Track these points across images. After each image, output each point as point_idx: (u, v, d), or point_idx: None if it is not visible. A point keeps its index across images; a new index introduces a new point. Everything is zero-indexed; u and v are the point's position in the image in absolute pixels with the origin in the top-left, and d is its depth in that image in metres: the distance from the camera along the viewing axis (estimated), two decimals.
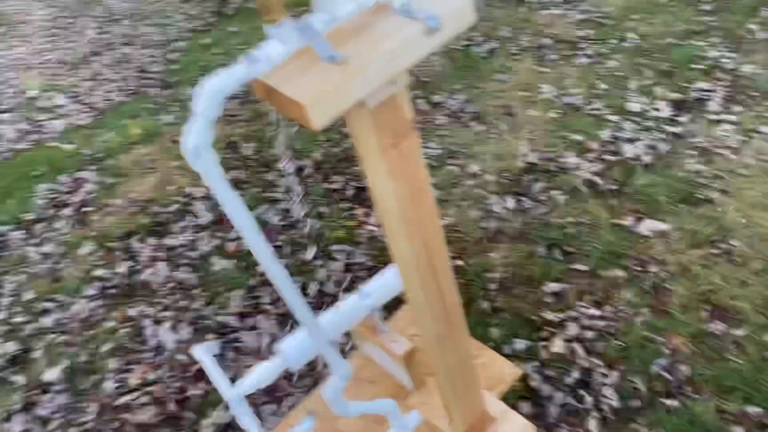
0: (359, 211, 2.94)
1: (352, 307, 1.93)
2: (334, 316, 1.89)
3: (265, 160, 3.38)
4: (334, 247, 2.77)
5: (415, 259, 1.35)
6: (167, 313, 2.65)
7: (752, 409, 1.92)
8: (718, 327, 2.15)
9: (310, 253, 2.78)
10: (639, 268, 2.39)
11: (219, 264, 2.82)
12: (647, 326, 2.20)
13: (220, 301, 2.66)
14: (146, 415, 2.32)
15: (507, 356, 2.19)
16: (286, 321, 2.52)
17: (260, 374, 1.74)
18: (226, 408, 2.23)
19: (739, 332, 2.11)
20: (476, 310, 2.40)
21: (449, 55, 3.84)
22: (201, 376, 2.36)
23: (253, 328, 2.53)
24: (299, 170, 3.26)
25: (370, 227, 2.84)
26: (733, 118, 2.90)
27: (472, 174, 3.00)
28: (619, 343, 2.18)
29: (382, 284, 1.99)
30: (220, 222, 3.03)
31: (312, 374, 2.34)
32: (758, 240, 2.37)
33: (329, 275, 2.66)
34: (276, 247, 2.84)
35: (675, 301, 2.26)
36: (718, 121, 2.91)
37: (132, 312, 2.69)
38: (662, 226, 2.52)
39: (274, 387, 2.28)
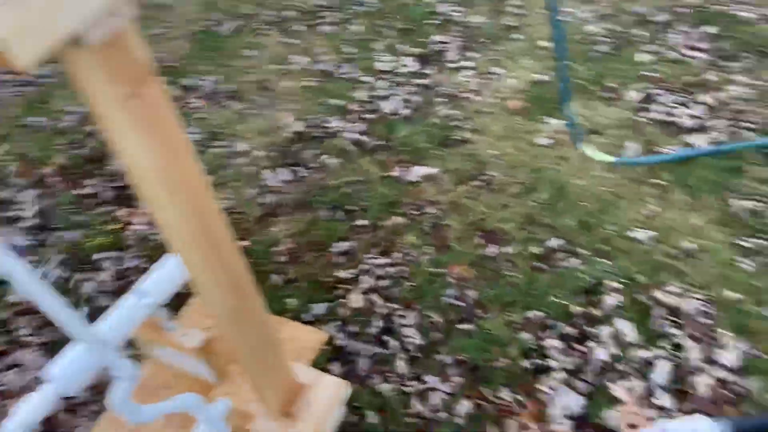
0: (122, 212, 2.65)
1: (130, 308, 1.71)
2: (111, 323, 1.66)
3: None
4: (98, 256, 2.47)
5: (189, 227, 1.21)
6: None
7: (533, 314, 2.10)
8: (491, 250, 2.32)
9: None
10: (416, 212, 2.49)
11: None
12: (432, 263, 2.30)
13: None
14: None
15: (309, 323, 2.15)
16: (56, 347, 2.18)
17: (29, 409, 1.46)
18: None
19: (509, 249, 2.31)
20: (270, 287, 2.30)
21: (191, 37, 3.63)
22: None
23: (13, 366, 2.15)
24: (39, 181, 2.85)
25: (137, 227, 2.58)
26: (470, 64, 3.16)
27: (240, 153, 2.88)
28: (411, 284, 2.25)
29: (161, 277, 1.80)
30: None
31: (98, 399, 2.06)
32: (509, 167, 2.60)
33: (99, 288, 2.36)
34: None
35: (452, 235, 2.39)
36: (459, 69, 3.15)
37: None
38: (429, 171, 2.65)
39: (54, 422, 1.97)
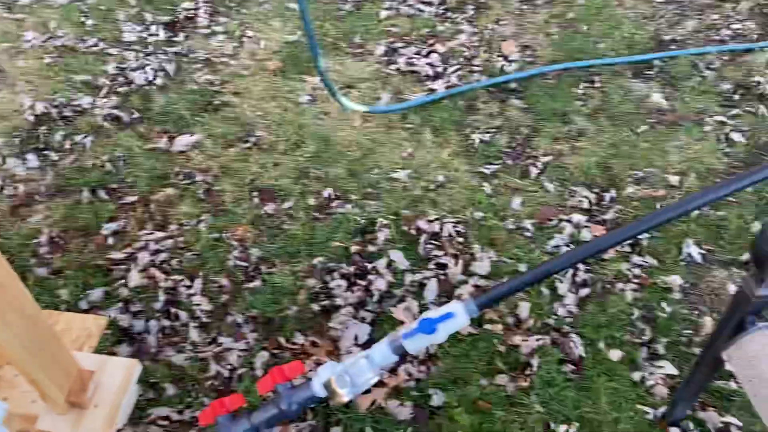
0: None
1: None
2: None
3: None
4: None
5: None
6: None
7: (316, 261, 2.22)
8: (269, 207, 2.38)
9: None
10: (187, 181, 2.45)
11: None
12: (211, 229, 2.30)
13: None
14: None
15: (86, 311, 2.03)
16: None
17: None
18: None
19: (288, 205, 2.39)
20: (35, 280, 2.12)
21: None
22: None
23: None
24: None
25: None
26: (221, 28, 3.12)
27: None
28: (193, 253, 2.23)
29: None
30: None
31: None
32: (275, 126, 2.67)
33: None
34: None
35: (227, 198, 2.40)
36: (211, 34, 3.10)
37: None
38: (194, 138, 2.61)
39: None
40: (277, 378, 1.22)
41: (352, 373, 1.18)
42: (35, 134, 2.62)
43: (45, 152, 2.56)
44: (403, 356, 1.68)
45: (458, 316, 1.17)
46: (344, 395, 1.17)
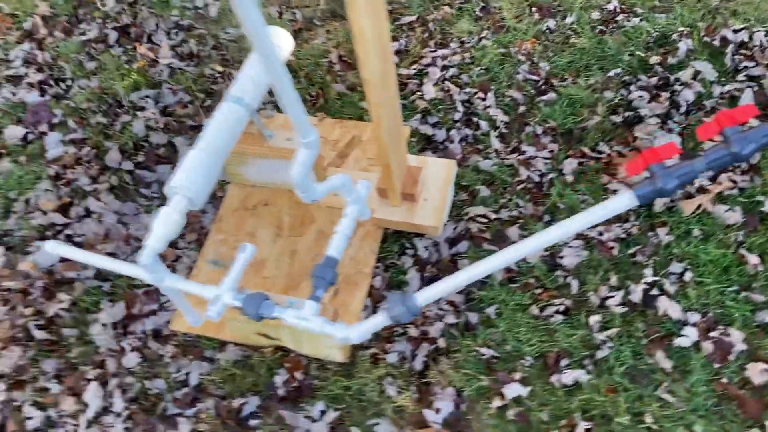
0: (142, 50, 2.42)
1: (228, 118, 1.60)
2: (213, 135, 1.55)
3: None
4: (135, 96, 2.27)
5: None
6: None
7: (612, 73, 2.12)
8: (551, 22, 2.28)
9: None
10: (461, 0, 2.39)
11: None
12: (495, 43, 2.25)
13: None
14: None
15: None
16: (123, 189, 2.07)
17: (164, 223, 1.38)
18: None
19: (571, 19, 2.27)
20: (335, 95, 2.21)
21: None
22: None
23: (89, 214, 2.03)
24: (28, 35, 2.53)
25: (162, 61, 2.37)
26: None
27: None
28: (481, 68, 2.20)
29: (250, 78, 1.68)
30: None
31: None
32: None
33: (147, 126, 2.20)
34: None
35: (506, 14, 2.32)
36: None
37: None
38: None
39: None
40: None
41: None
42: None
43: None
44: None
45: None
46: None
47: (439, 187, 1.86)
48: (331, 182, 1.48)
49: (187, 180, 1.45)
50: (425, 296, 1.33)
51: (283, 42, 1.78)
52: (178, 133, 2.18)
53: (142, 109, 2.24)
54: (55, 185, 2.09)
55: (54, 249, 1.54)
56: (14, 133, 2.24)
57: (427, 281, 1.79)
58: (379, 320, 1.40)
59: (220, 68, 2.32)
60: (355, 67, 2.27)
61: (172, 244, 1.94)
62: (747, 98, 1.97)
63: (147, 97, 2.27)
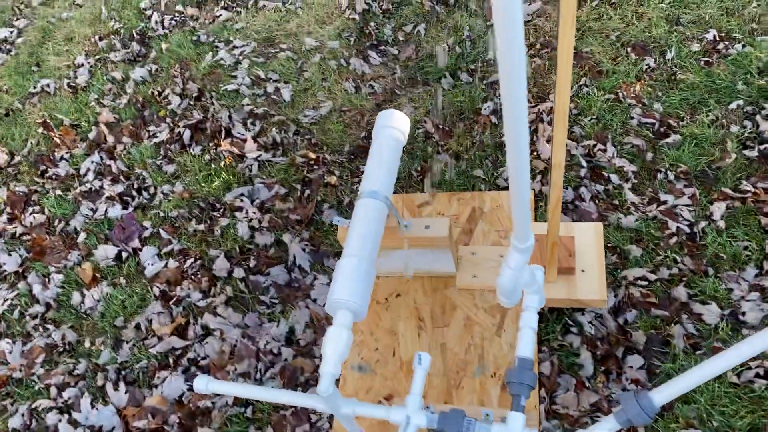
0: (224, 146, 2.30)
1: (370, 217, 1.47)
2: (360, 237, 1.43)
3: None
4: (231, 195, 2.14)
5: None
6: None
7: (734, 105, 2.02)
8: (649, 60, 2.18)
9: None
10: (546, 49, 2.30)
11: None
12: (599, 90, 2.15)
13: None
14: None
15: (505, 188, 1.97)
16: (238, 299, 1.91)
17: (337, 344, 1.24)
18: None
19: (671, 54, 2.18)
20: (444, 164, 2.09)
21: None
22: None
23: (210, 333, 1.87)
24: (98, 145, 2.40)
25: (249, 155, 2.24)
26: None
27: None
28: (591, 118, 2.10)
29: (380, 168, 1.56)
30: None
31: None
32: None
33: (248, 220, 2.06)
34: None
35: (601, 58, 2.23)
36: None
37: None
38: (533, 6, 2.44)
39: None
40: None
41: None
42: (366, 31, 2.56)
43: (381, 48, 2.50)
44: None
45: None
46: None
47: (593, 255, 1.73)
48: (524, 279, 1.35)
49: (349, 291, 1.32)
50: (665, 394, 1.19)
51: (403, 125, 1.66)
52: (283, 229, 2.04)
53: (240, 209, 2.11)
54: (165, 305, 1.94)
55: (205, 386, 1.39)
56: (105, 253, 2.10)
57: (599, 360, 1.64)
58: (610, 425, 1.25)
59: (312, 155, 2.20)
60: (454, 135, 2.16)
61: (310, 354, 1.79)
62: None
63: (242, 195, 2.14)
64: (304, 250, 1.97)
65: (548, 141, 2.07)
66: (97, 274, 2.06)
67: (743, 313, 1.64)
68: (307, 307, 1.87)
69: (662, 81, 2.13)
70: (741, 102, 2.01)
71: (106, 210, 2.21)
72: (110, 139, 2.42)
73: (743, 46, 2.14)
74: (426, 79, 2.35)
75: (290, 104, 2.40)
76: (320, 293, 1.89)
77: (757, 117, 1.97)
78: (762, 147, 1.91)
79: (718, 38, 2.17)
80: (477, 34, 2.40)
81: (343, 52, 2.51)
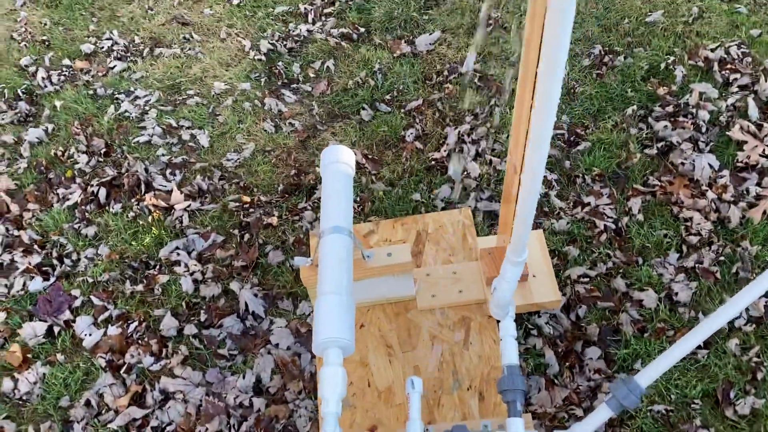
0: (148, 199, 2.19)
1: (338, 251, 1.49)
2: (334, 272, 1.44)
3: None
4: (165, 251, 2.05)
5: None
6: None
7: (629, 109, 2.25)
8: None
9: None
10: (455, 76, 2.43)
11: None
12: (509, 108, 2.31)
13: None
14: None
15: (443, 208, 2.06)
16: (207, 365, 1.83)
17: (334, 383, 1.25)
18: None
19: (565, 72, 2.39)
20: (377, 193, 2.14)
21: None
22: None
23: (170, 396, 1.77)
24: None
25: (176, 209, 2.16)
26: None
27: None
28: (507, 135, 2.25)
29: (338, 202, 1.59)
30: None
31: None
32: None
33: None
34: None
35: (504, 81, 2.40)
36: None
37: None
38: (433, 36, 2.57)
39: None
40: None
41: None
42: (274, 71, 2.57)
43: (293, 86, 2.52)
44: None
45: None
46: None
47: (541, 259, 1.85)
48: (502, 293, 1.43)
49: (336, 329, 1.33)
50: (648, 376, 1.31)
51: (349, 158, 1.69)
52: (229, 278, 1.99)
53: (177, 263, 2.02)
54: (115, 375, 1.81)
55: None
56: (33, 330, 1.92)
57: (562, 357, 1.76)
58: (603, 414, 1.35)
59: (246, 198, 2.16)
60: (384, 163, 2.22)
61: (283, 400, 1.75)
62: (752, 107, 2.18)
63: (177, 249, 2.05)
64: (256, 295, 1.93)
65: (474, 160, 2.19)
66: (28, 355, 1.88)
67: (676, 294, 1.83)
68: (269, 353, 1.83)
69: (564, 95, 2.33)
70: (635, 107, 2.25)
71: (24, 284, 2.02)
72: (14, 207, 2.23)
73: (624, 57, 2.40)
74: (344, 112, 2.40)
75: (210, 150, 2.35)
76: (280, 337, 1.86)
77: (649, 119, 2.22)
78: (659, 145, 2.15)
79: (603, 52, 2.42)
80: (386, 66, 2.50)
81: (256, 93, 2.50)
